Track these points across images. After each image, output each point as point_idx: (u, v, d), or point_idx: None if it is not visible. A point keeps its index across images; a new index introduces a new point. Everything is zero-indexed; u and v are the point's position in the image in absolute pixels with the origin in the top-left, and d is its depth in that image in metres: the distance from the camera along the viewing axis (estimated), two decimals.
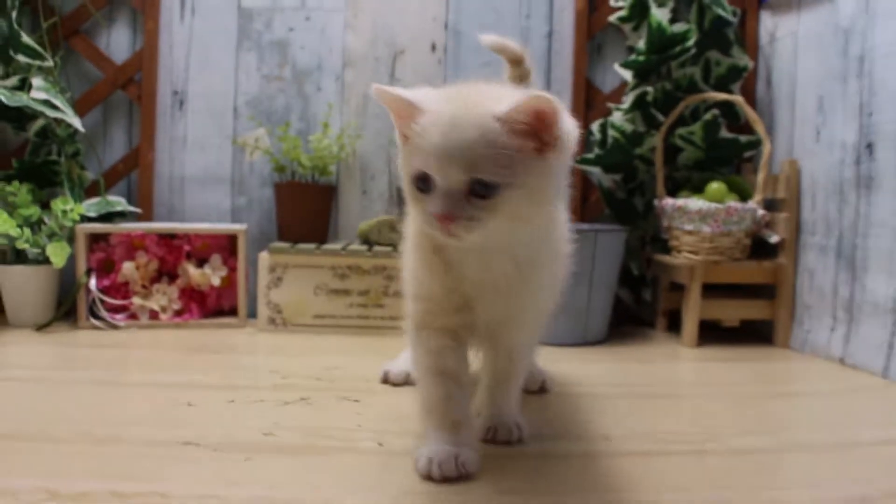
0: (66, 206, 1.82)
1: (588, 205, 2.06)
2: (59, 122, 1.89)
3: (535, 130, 0.82)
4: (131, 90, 2.04)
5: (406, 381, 1.35)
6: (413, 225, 0.98)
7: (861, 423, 1.25)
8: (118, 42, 2.06)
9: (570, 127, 0.87)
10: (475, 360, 1.07)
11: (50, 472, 0.90)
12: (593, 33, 2.06)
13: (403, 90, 0.88)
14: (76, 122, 1.85)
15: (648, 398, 1.36)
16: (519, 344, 1.04)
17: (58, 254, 1.77)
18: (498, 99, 0.83)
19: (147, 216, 2.02)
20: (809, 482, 0.95)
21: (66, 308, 1.84)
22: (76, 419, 1.12)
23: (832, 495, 0.90)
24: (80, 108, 1.97)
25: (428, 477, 0.89)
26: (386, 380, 1.36)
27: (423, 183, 0.86)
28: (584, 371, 1.53)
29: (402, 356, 1.39)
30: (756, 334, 1.92)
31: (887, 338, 1.50)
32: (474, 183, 0.82)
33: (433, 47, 2.05)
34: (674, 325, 1.94)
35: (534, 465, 0.97)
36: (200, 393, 1.28)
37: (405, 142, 0.89)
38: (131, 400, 1.26)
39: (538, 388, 1.34)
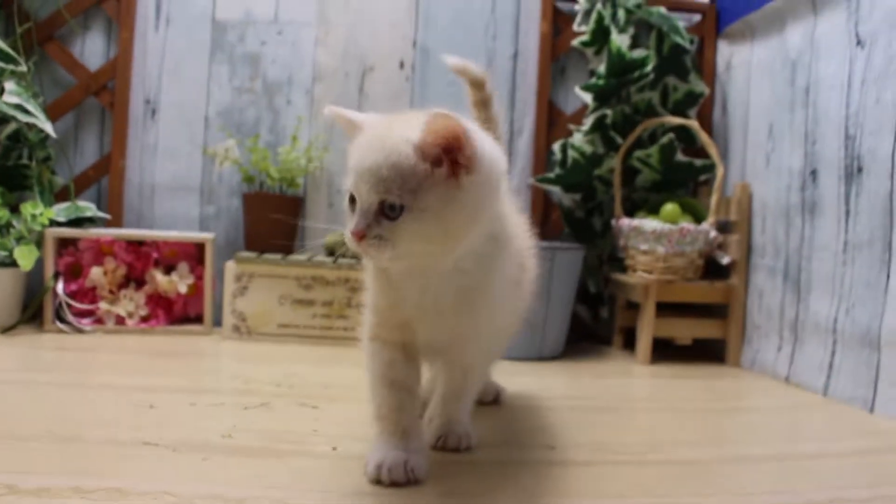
0: (36, 211, 1.85)
1: (548, 223, 2.12)
2: (30, 126, 1.91)
3: (447, 152, 0.85)
4: (104, 97, 2.07)
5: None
6: None
7: (797, 437, 1.32)
8: (92, 49, 2.09)
9: (487, 149, 0.89)
10: (427, 370, 1.12)
11: (10, 468, 0.93)
12: (557, 56, 2.13)
13: (352, 112, 0.95)
14: (48, 128, 1.88)
15: (598, 411, 1.42)
16: (471, 363, 1.07)
17: (26, 257, 1.79)
18: (417, 125, 0.87)
19: (117, 222, 2.04)
20: (741, 491, 1.00)
21: (32, 311, 1.86)
22: (39, 419, 1.14)
23: (761, 501, 0.95)
24: (52, 114, 1.99)
25: (377, 481, 0.92)
26: None
27: (351, 202, 0.90)
28: (538, 384, 1.59)
29: None
30: (708, 353, 1.99)
31: (828, 357, 1.57)
32: (382, 204, 0.85)
33: (401, 65, 2.10)
34: (630, 343, 2.00)
35: (480, 471, 1.02)
36: (163, 396, 1.32)
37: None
38: (94, 402, 1.29)
39: (492, 400, 1.38)
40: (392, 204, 0.85)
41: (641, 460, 1.11)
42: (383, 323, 1.00)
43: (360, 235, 0.86)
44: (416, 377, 1.02)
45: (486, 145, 0.89)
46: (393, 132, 0.87)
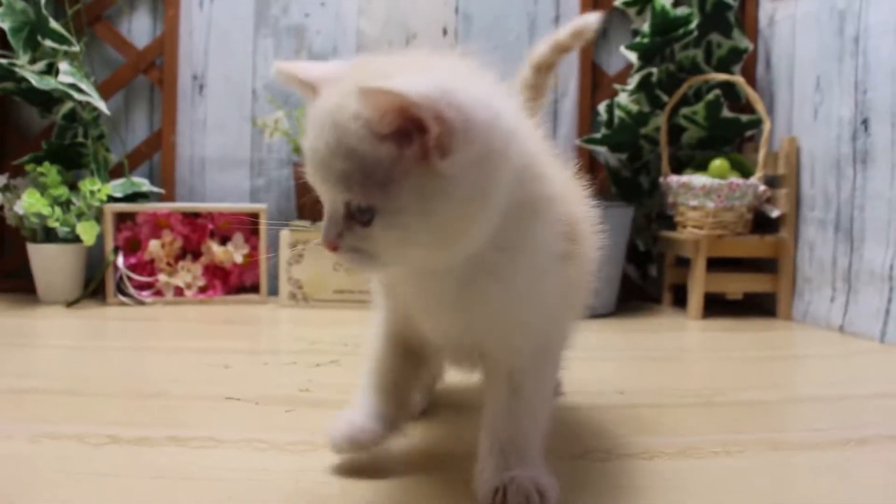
0: (94, 187, 1.90)
1: (594, 184, 2.12)
2: (84, 105, 1.96)
3: (415, 124, 0.60)
4: (153, 74, 2.11)
5: None
6: None
7: (857, 380, 1.33)
8: (140, 28, 2.13)
9: (481, 111, 0.62)
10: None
11: (108, 421, 0.97)
12: None
13: (306, 67, 0.72)
14: (101, 106, 1.92)
15: (657, 361, 1.44)
16: (519, 364, 0.75)
17: (88, 232, 1.84)
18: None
19: (169, 196, 2.09)
20: (811, 427, 1.03)
21: (94, 285, 1.91)
22: (121, 379, 1.19)
23: (834, 436, 0.97)
24: (103, 92, 2.03)
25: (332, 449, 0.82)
26: None
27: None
28: (594, 339, 1.61)
29: None
30: (759, 307, 2.00)
31: (884, 304, 1.58)
32: (348, 206, 0.64)
33: (444, 31, 2.12)
34: (679, 300, 2.01)
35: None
36: (234, 357, 1.36)
37: None
38: (168, 363, 1.33)
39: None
40: (359, 206, 0.63)
41: (709, 401, 1.14)
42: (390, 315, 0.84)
43: (332, 247, 0.66)
44: (425, 349, 0.83)
45: (477, 107, 0.62)
46: (346, 102, 0.62)
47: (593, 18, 0.99)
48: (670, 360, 1.46)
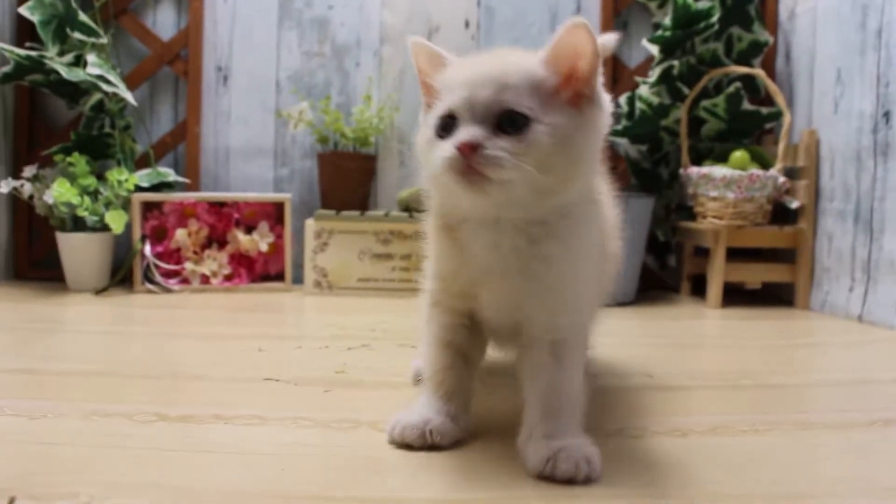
0: (122, 177, 1.93)
1: (615, 175, 2.15)
2: (111, 96, 1.99)
3: (573, 74, 0.77)
4: (177, 66, 2.14)
5: None
6: (434, 200, 0.88)
7: (877, 366, 1.35)
8: (164, 20, 2.16)
9: (604, 93, 0.80)
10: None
11: (153, 400, 1.00)
12: (619, 10, 2.15)
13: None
14: (129, 97, 1.95)
15: (680, 347, 1.46)
16: (561, 336, 0.82)
17: (116, 221, 1.87)
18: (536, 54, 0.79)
19: (194, 187, 2.12)
20: (837, 408, 1.05)
21: (122, 273, 1.95)
22: (158, 362, 1.22)
23: (859, 417, 0.99)
24: (129, 84, 2.06)
25: (391, 441, 0.84)
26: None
27: (445, 129, 0.77)
28: (617, 326, 1.63)
29: None
30: (777, 297, 2.02)
31: None
32: (504, 114, 0.74)
33: (467, 24, 2.14)
34: (698, 290, 2.04)
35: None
36: (267, 341, 1.39)
37: (429, 102, 0.83)
38: (203, 348, 1.36)
39: None
40: (517, 114, 0.74)
41: (735, 385, 1.16)
42: (447, 290, 0.87)
43: (473, 147, 0.72)
44: (477, 344, 0.90)
45: (602, 87, 0.80)
46: (510, 53, 0.80)
47: (611, 39, 1.05)
48: (693, 347, 1.48)
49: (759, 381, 1.19)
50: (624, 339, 1.51)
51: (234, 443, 0.84)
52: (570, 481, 0.74)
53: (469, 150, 0.72)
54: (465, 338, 0.89)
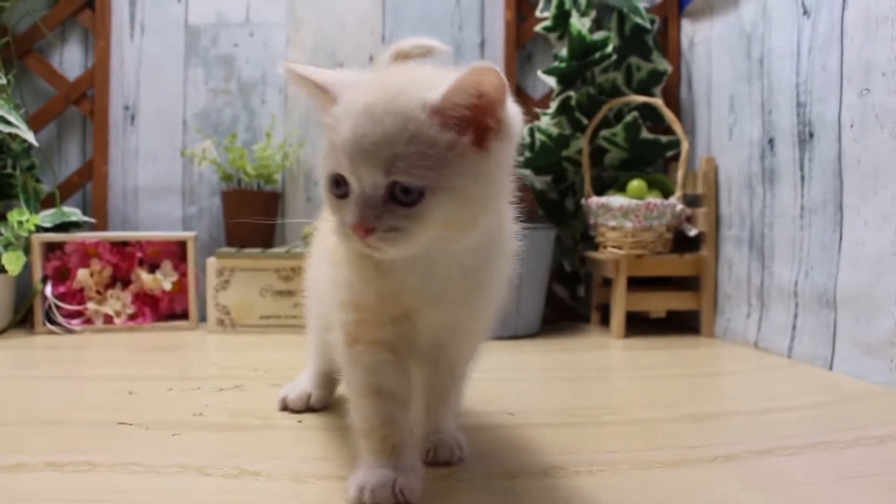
0: (22, 218, 1.91)
1: (522, 206, 2.16)
2: (13, 136, 1.97)
3: (476, 115, 0.70)
4: (84, 105, 2.13)
5: (307, 407, 1.18)
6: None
7: (756, 396, 1.36)
8: (71, 60, 2.15)
9: (515, 110, 0.75)
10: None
11: None
12: (523, 42, 2.18)
13: (317, 71, 0.77)
14: (30, 137, 1.94)
15: (564, 381, 1.46)
16: (463, 357, 0.93)
17: (13, 262, 1.85)
18: (430, 83, 0.71)
19: (102, 226, 2.10)
20: (686, 444, 1.04)
21: (22, 314, 1.92)
22: (23, 407, 1.20)
23: (703, 454, 0.99)
24: (35, 123, 2.05)
25: None
26: (284, 406, 1.18)
27: (337, 187, 0.74)
28: (509, 360, 1.63)
29: (302, 377, 1.23)
30: (684, 325, 2.04)
31: (791, 320, 1.62)
32: (393, 187, 0.70)
33: (371, 59, 2.16)
34: (607, 319, 2.04)
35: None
36: (143, 384, 1.37)
37: (327, 132, 0.76)
38: (78, 391, 1.34)
39: None
40: (408, 187, 0.69)
41: (596, 421, 1.16)
42: (369, 319, 0.82)
43: (368, 229, 0.70)
44: (405, 384, 0.85)
45: (513, 105, 0.75)
46: (402, 96, 0.71)
47: (438, 45, 1.05)
48: (577, 380, 1.48)
49: (623, 416, 1.19)
50: (507, 373, 1.51)
51: (56, 492, 0.83)
52: (447, 464, 0.92)
53: (362, 234, 0.70)
54: (393, 378, 0.83)
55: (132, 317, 1.98)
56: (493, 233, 0.81)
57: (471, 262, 0.80)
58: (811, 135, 1.55)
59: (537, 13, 2.12)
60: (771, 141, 1.69)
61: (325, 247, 0.92)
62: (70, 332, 1.91)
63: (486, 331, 0.93)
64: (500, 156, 0.73)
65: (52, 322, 1.92)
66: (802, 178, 1.58)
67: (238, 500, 0.81)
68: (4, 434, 1.06)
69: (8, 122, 1.90)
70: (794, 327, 1.61)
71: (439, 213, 0.70)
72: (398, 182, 0.69)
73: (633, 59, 2.05)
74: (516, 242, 0.88)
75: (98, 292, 1.98)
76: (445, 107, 0.70)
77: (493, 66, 0.68)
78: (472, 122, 0.71)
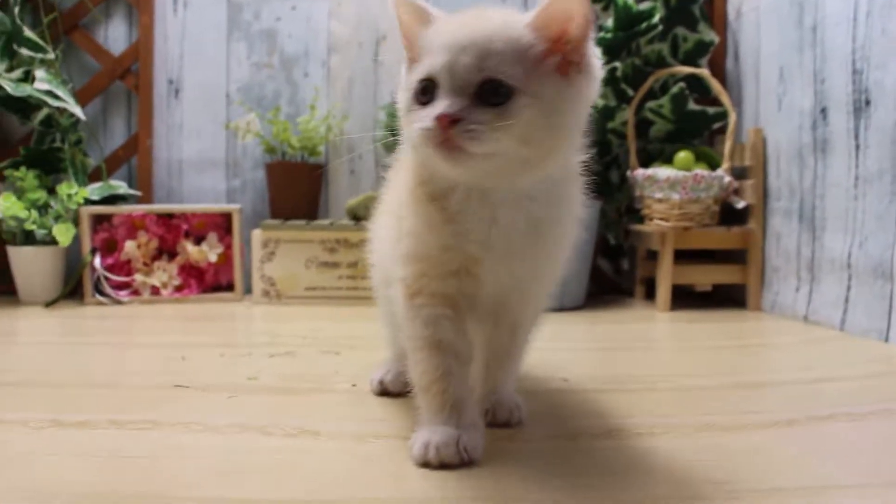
0: (71, 191, 1.93)
1: (591, 180, 2.15)
2: (61, 111, 2.00)
3: (563, 41, 0.73)
4: (129, 80, 2.15)
5: (406, 389, 0.95)
6: (408, 170, 0.83)
7: (808, 367, 1.33)
8: (115, 35, 2.17)
9: (596, 54, 0.77)
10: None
11: (54, 408, 1.00)
12: None
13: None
14: (78, 111, 1.96)
15: (612, 351, 1.46)
16: (524, 318, 0.91)
17: (63, 234, 1.88)
18: (524, 16, 0.75)
19: (147, 199, 2.13)
20: (743, 410, 1.03)
21: (72, 285, 1.95)
22: (80, 371, 1.22)
23: (763, 419, 0.98)
24: (81, 99, 2.08)
25: (424, 463, 0.77)
26: (384, 391, 1.08)
27: (424, 93, 0.74)
28: (556, 331, 1.63)
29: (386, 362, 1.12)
30: (730, 299, 2.01)
31: (843, 293, 1.59)
32: (486, 83, 0.71)
33: None
34: (652, 293, 2.03)
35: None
36: (194, 350, 1.39)
37: (411, 67, 0.78)
38: (131, 357, 1.37)
39: None
40: (500, 84, 0.70)
41: (650, 388, 1.15)
42: (431, 272, 0.81)
43: (453, 119, 0.70)
44: (465, 339, 0.84)
45: (595, 51, 0.77)
46: (498, 11, 0.76)
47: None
48: (625, 351, 1.47)
49: (675, 384, 1.17)
50: (558, 343, 1.50)
51: (118, 448, 0.84)
52: (506, 425, 0.91)
53: (447, 124, 0.70)
54: (453, 333, 0.82)
55: (178, 288, 2.00)
56: (560, 185, 0.80)
57: (537, 213, 0.79)
58: (867, 102, 1.51)
59: None
60: (824, 110, 1.66)
61: (391, 201, 0.91)
62: (118, 302, 1.94)
63: (548, 294, 0.92)
64: (580, 91, 0.74)
65: (101, 293, 1.95)
66: (857, 147, 1.55)
67: (300, 459, 0.81)
68: (65, 395, 1.08)
69: (56, 97, 1.93)
70: (846, 300, 1.58)
71: (522, 119, 0.70)
72: (490, 79, 0.70)
73: (680, 30, 2.01)
74: (583, 208, 0.87)
75: (145, 264, 2.00)
76: (539, 23, 0.72)
77: None
78: (559, 46, 0.73)
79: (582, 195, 0.86)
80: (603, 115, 1.97)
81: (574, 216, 0.85)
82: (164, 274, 1.99)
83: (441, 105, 0.71)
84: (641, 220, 2.01)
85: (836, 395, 1.11)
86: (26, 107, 2.02)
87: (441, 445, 0.77)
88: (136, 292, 1.98)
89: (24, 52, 1.95)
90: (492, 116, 0.70)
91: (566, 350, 1.45)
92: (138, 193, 2.11)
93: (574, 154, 0.82)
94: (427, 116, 0.71)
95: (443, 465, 0.77)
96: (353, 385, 1.14)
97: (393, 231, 0.87)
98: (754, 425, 0.95)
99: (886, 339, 1.45)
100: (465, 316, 0.84)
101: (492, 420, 0.91)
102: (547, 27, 0.72)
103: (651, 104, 1.98)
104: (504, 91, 0.70)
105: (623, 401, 1.07)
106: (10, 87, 1.86)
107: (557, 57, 0.73)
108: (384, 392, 1.07)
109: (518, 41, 0.72)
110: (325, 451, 0.84)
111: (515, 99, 0.70)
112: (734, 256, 1.98)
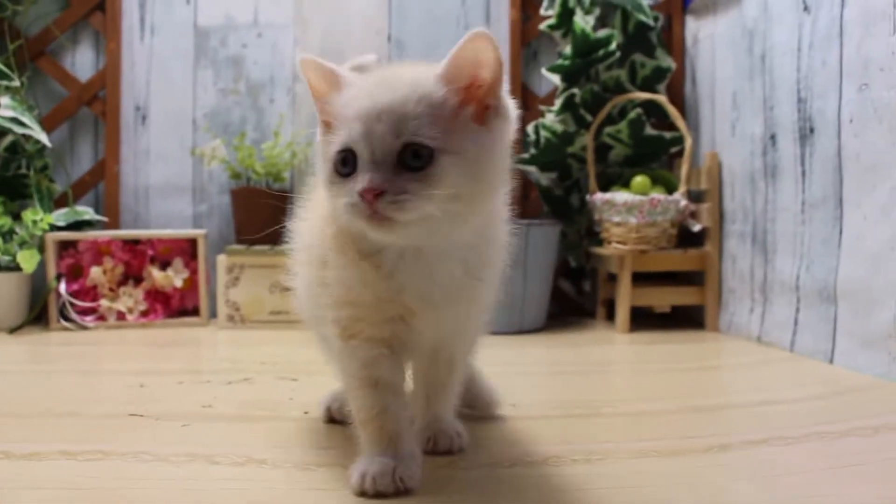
0: (36, 217, 1.95)
1: (528, 202, 2.19)
2: (27, 138, 2.01)
3: (476, 86, 0.74)
4: (96, 106, 2.17)
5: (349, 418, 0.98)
6: (331, 223, 0.82)
7: (756, 389, 1.37)
8: (83, 61, 2.19)
9: (509, 97, 0.78)
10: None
11: (6, 439, 1.01)
12: (528, 41, 2.20)
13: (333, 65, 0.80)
14: (43, 138, 1.98)
15: (566, 375, 1.49)
16: (460, 352, 0.95)
17: (28, 260, 1.89)
18: (432, 68, 0.76)
19: (114, 224, 2.14)
20: (682, 435, 1.06)
21: (36, 311, 1.96)
22: (40, 401, 1.23)
23: (697, 444, 1.01)
24: (48, 125, 2.09)
25: (361, 493, 0.80)
26: (331, 419, 1.10)
27: (345, 164, 0.74)
28: (513, 354, 1.66)
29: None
30: (689, 320, 2.05)
31: (793, 314, 1.63)
32: (406, 149, 0.71)
33: (377, 60, 2.18)
34: (613, 315, 2.06)
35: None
36: (154, 377, 1.40)
37: (326, 131, 0.78)
38: (91, 385, 1.38)
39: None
40: (420, 147, 0.71)
41: (595, 413, 1.18)
42: (367, 318, 0.82)
43: (378, 192, 0.70)
44: (401, 375, 0.88)
45: (507, 95, 0.78)
46: (411, 70, 0.76)
47: (371, 58, 1.07)
48: (580, 374, 1.50)
49: (623, 409, 1.21)
50: (507, 368, 1.53)
51: (67, 479, 0.86)
52: (447, 452, 0.94)
53: (372, 198, 0.70)
54: (390, 371, 0.84)
55: (144, 313, 2.02)
56: (491, 225, 0.83)
57: (473, 260, 0.81)
58: (811, 130, 1.56)
59: (542, 11, 2.13)
60: (773, 137, 1.71)
61: (310, 247, 0.90)
62: (84, 328, 1.95)
63: (484, 324, 0.95)
64: (499, 135, 0.76)
65: (67, 319, 1.96)
66: (803, 173, 1.60)
67: (244, 487, 0.84)
68: (20, 425, 1.09)
69: (22, 124, 1.94)
70: (795, 321, 1.63)
71: (447, 179, 0.71)
72: (410, 143, 0.71)
73: (637, 57, 2.06)
74: (508, 236, 0.88)
75: (111, 289, 2.01)
76: (449, 75, 0.73)
77: (487, 33, 0.71)
78: (473, 93, 0.74)
79: (507, 222, 0.88)
80: (563, 141, 2.01)
81: (502, 246, 0.87)
82: (130, 299, 2.01)
83: (363, 179, 0.71)
84: (601, 242, 2.05)
85: (776, 418, 1.14)
86: None
87: (377, 476, 0.79)
88: (101, 317, 1.99)
89: None
90: (416, 183, 0.70)
91: (519, 374, 1.48)
92: (105, 219, 2.12)
93: (501, 199, 0.84)
94: (351, 191, 0.72)
95: (378, 495, 0.79)
96: (306, 412, 1.16)
97: (314, 278, 0.87)
98: (690, 450, 0.98)
99: (831, 361, 1.49)
100: (401, 354, 0.86)
101: (433, 448, 0.93)
102: (458, 77, 0.74)
103: (609, 129, 2.03)
104: (425, 153, 0.71)
105: (567, 427, 1.10)
106: None
107: (472, 106, 0.74)
108: (331, 420, 1.09)
109: (431, 98, 0.72)
110: (269, 480, 0.86)
111: (437, 159, 0.71)
112: (693, 278, 2.02)
